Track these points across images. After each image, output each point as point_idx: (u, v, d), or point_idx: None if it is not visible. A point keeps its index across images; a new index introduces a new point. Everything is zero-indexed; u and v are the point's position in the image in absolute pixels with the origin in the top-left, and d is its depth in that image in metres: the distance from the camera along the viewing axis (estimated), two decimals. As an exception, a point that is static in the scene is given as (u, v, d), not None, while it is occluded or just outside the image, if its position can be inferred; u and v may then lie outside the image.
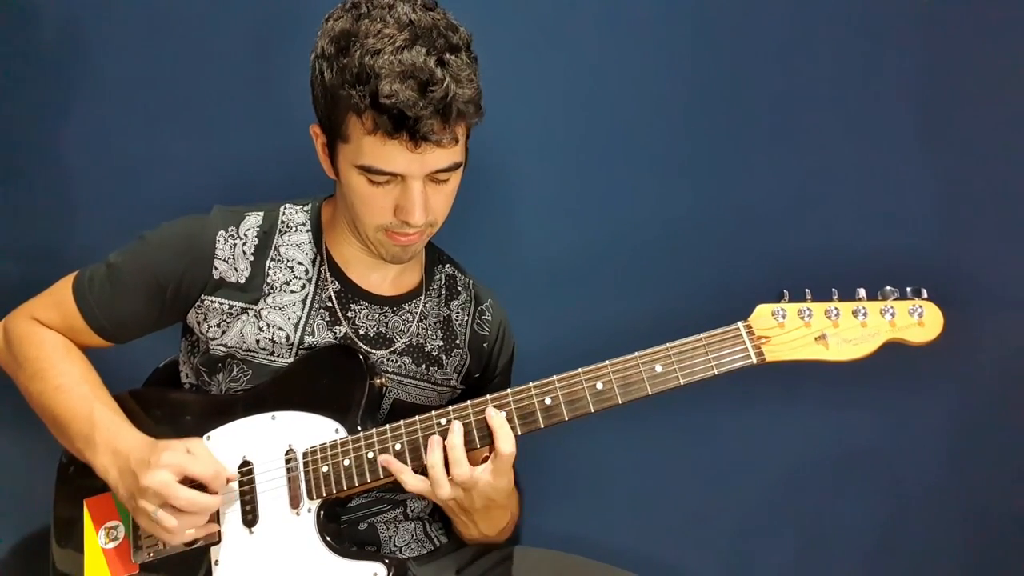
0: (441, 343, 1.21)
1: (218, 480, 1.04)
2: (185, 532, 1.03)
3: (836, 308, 0.97)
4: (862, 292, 0.98)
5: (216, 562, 1.06)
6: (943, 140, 1.34)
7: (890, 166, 1.35)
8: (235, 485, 1.08)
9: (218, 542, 1.07)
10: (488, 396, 1.02)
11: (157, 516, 1.01)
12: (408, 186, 1.01)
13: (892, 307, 0.96)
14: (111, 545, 1.12)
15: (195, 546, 1.07)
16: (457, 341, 1.22)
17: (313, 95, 1.05)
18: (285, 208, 1.17)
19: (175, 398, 1.19)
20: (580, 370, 1.00)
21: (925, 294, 0.97)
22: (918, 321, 0.96)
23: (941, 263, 1.29)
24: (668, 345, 0.99)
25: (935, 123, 1.35)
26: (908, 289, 0.98)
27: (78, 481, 1.14)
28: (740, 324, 0.98)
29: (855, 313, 0.97)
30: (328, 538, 1.04)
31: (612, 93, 1.40)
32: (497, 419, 0.99)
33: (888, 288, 0.98)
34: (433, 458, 0.99)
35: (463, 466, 0.98)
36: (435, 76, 0.94)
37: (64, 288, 1.16)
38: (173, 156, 1.47)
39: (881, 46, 1.35)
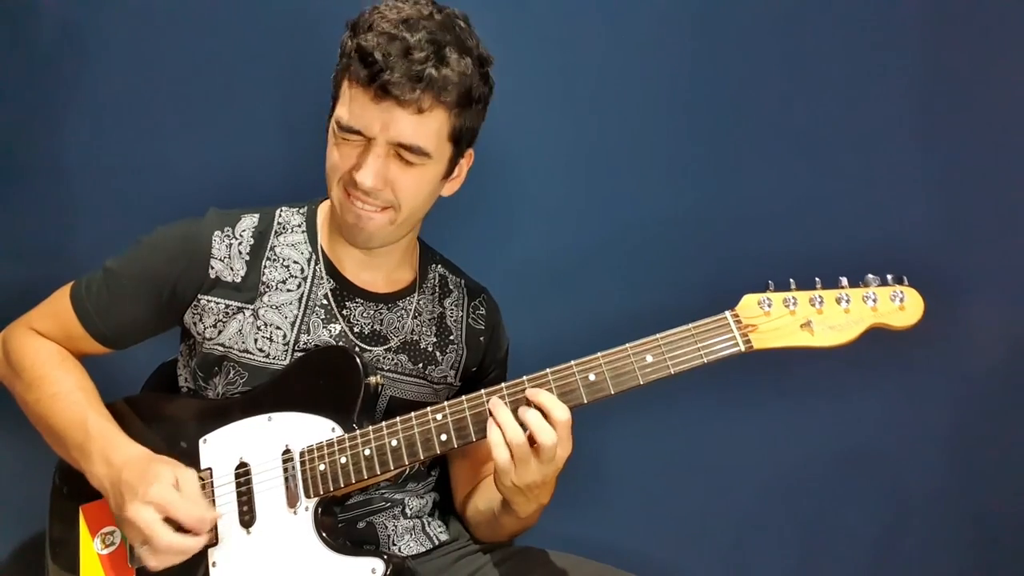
0: (436, 340, 1.26)
1: (201, 525, 1.06)
2: (164, 566, 1.06)
3: (820, 296, 1.03)
4: (845, 281, 1.04)
5: (213, 563, 1.10)
6: (924, 135, 1.42)
7: (872, 162, 1.42)
8: (232, 487, 1.12)
9: (215, 543, 1.10)
10: (483, 391, 1.06)
11: (139, 551, 1.06)
12: (369, 148, 1.07)
13: (874, 293, 1.02)
14: (107, 551, 1.15)
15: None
16: (452, 337, 1.27)
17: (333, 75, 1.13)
18: (281, 210, 1.23)
19: (172, 403, 1.23)
20: (573, 362, 1.04)
21: (906, 281, 1.03)
22: (899, 306, 1.01)
23: (925, 256, 1.33)
24: (658, 336, 1.04)
25: (916, 120, 1.42)
26: (889, 277, 1.03)
27: (74, 488, 1.18)
28: (728, 313, 1.04)
29: (838, 300, 1.02)
30: (326, 535, 1.08)
31: (605, 93, 1.47)
32: (541, 395, 1.01)
33: (870, 276, 1.03)
34: (531, 414, 1.01)
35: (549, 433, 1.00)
36: (421, 48, 1.03)
37: (62, 297, 1.21)
38: (172, 159, 1.53)
39: (865, 46, 1.42)
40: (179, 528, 1.05)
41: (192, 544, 1.05)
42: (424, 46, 1.03)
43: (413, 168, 1.10)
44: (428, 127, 1.07)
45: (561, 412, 1.01)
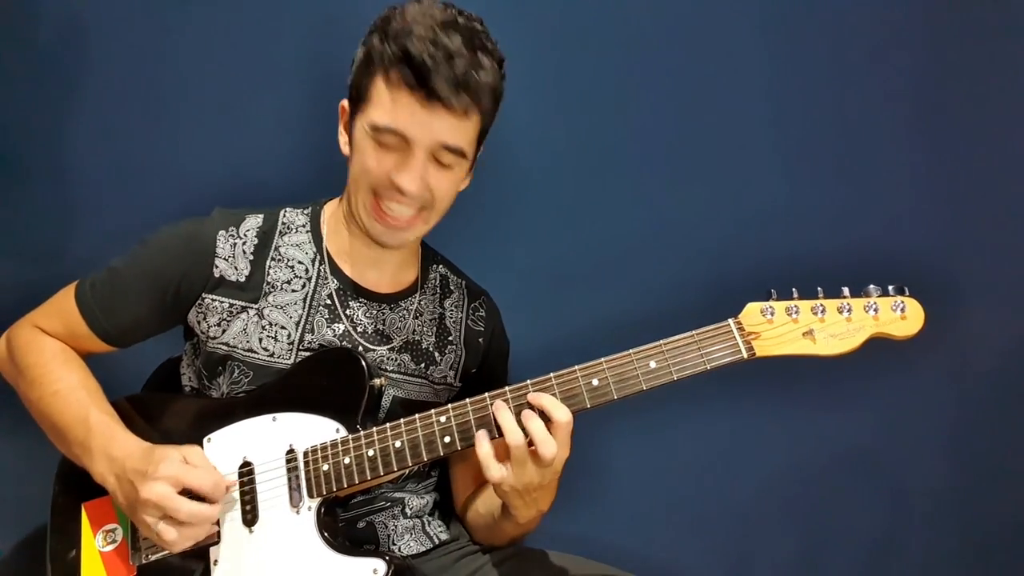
0: (435, 340, 1.28)
1: (217, 490, 1.08)
2: (186, 542, 1.08)
3: (822, 305, 1.05)
4: (846, 291, 1.06)
5: (215, 562, 1.11)
6: (927, 144, 1.43)
7: (875, 171, 1.44)
8: (235, 486, 1.13)
9: (217, 542, 1.12)
10: (486, 394, 1.08)
11: (158, 529, 1.06)
12: (411, 152, 1.10)
13: (875, 303, 1.04)
14: (109, 548, 1.16)
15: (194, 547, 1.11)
16: (451, 338, 1.29)
17: (353, 68, 1.14)
18: (285, 211, 1.25)
19: (176, 403, 1.24)
20: (576, 367, 1.06)
21: (907, 291, 1.05)
22: (900, 316, 1.04)
23: (926, 263, 1.36)
24: (662, 342, 1.05)
25: (919, 128, 1.43)
26: (890, 287, 1.06)
27: (76, 485, 1.19)
28: (731, 321, 1.06)
29: (840, 309, 1.05)
30: (328, 535, 1.09)
31: (608, 97, 1.49)
32: (543, 398, 1.03)
33: (871, 286, 1.06)
34: (535, 424, 1.02)
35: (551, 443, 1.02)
36: (462, 53, 1.06)
37: (66, 296, 1.22)
38: (175, 159, 1.54)
39: (871, 53, 1.44)
40: (195, 499, 1.06)
41: (212, 511, 1.07)
42: (463, 51, 1.06)
43: (449, 170, 1.13)
44: (467, 130, 1.11)
45: (562, 414, 1.02)
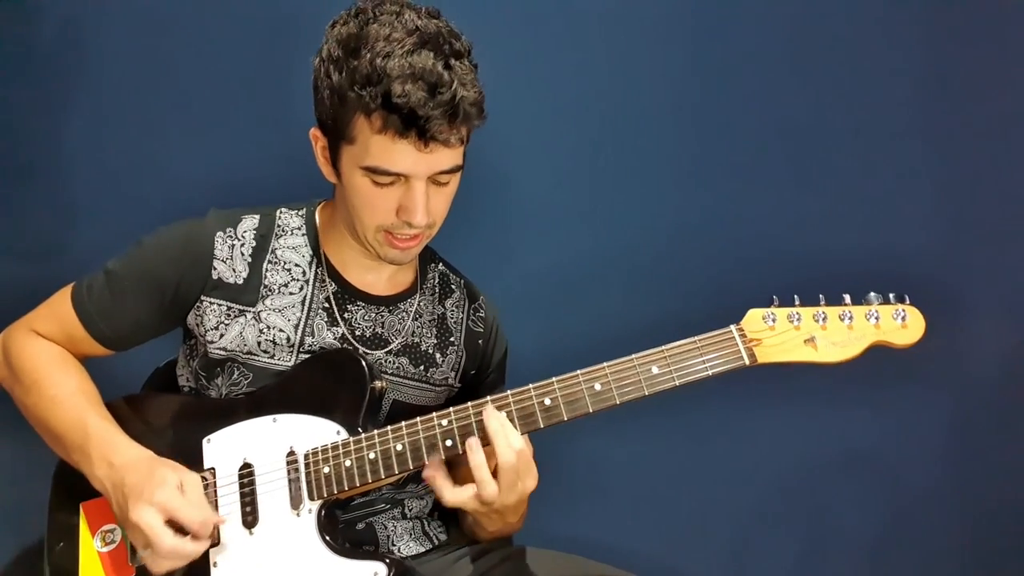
0: (436, 341, 1.28)
1: (204, 529, 1.06)
2: (167, 569, 1.07)
3: (823, 312, 1.06)
4: (848, 298, 1.07)
5: (215, 564, 1.11)
6: (931, 154, 1.44)
7: (877, 178, 1.45)
8: (235, 488, 1.13)
9: (217, 544, 1.12)
10: (488, 397, 1.08)
11: (142, 552, 1.07)
12: (412, 187, 1.08)
13: (876, 311, 1.05)
14: (107, 549, 1.16)
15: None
16: (452, 339, 1.29)
17: (317, 98, 1.11)
18: (281, 212, 1.24)
19: (175, 403, 1.24)
20: (579, 372, 1.07)
21: (908, 300, 1.06)
22: (901, 324, 1.05)
23: (927, 270, 1.37)
24: (664, 347, 1.06)
25: (923, 137, 1.44)
26: (891, 295, 1.07)
27: (74, 486, 1.18)
28: (733, 327, 1.07)
29: (841, 317, 1.06)
30: (328, 538, 1.10)
31: (608, 100, 1.50)
32: (494, 424, 1.04)
33: (872, 294, 1.07)
34: (477, 459, 1.03)
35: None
36: (443, 79, 1.02)
37: (63, 299, 1.21)
38: (172, 159, 1.54)
39: (874, 58, 1.45)
40: (182, 531, 1.06)
41: (195, 548, 1.06)
42: (441, 72, 1.02)
43: (448, 185, 1.12)
44: (460, 148, 1.10)
45: (509, 455, 1.02)
